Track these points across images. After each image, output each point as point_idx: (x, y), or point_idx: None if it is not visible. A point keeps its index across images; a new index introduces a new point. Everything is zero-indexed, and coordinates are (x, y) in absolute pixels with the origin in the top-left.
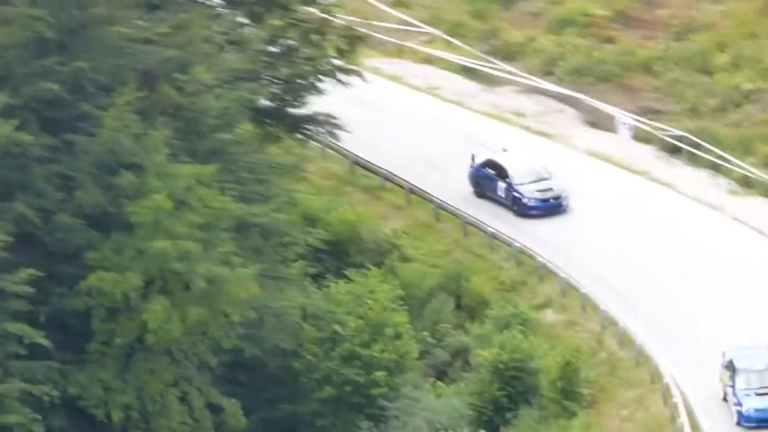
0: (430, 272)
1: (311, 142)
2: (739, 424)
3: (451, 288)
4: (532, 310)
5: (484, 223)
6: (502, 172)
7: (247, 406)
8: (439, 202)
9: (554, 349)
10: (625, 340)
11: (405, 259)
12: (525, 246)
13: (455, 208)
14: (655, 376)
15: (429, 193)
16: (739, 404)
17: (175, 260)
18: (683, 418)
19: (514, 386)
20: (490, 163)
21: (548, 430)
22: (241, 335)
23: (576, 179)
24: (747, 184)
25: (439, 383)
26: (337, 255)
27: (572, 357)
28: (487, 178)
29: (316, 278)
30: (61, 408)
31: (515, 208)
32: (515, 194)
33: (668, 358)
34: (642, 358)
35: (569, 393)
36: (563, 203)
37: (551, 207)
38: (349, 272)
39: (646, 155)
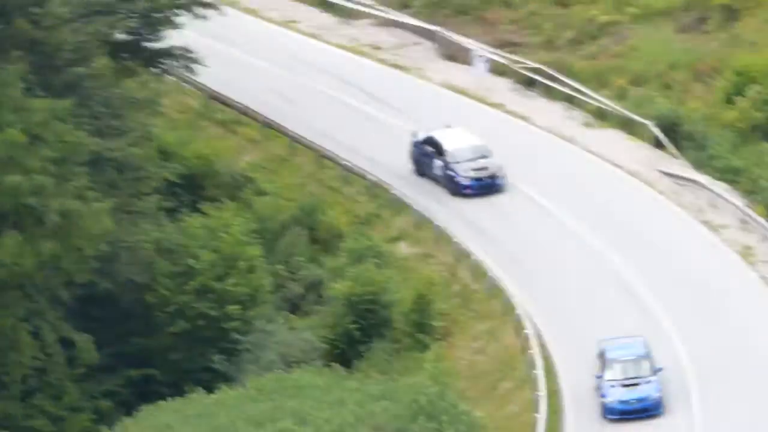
0: (284, 206)
1: (167, 76)
2: (604, 417)
3: (306, 221)
4: (386, 243)
5: (339, 156)
6: (439, 150)
7: (100, 340)
8: (294, 135)
9: (408, 281)
10: (478, 272)
11: (260, 192)
12: (380, 179)
13: (310, 141)
14: (507, 308)
15: (284, 127)
16: (604, 396)
17: (28, 194)
18: (534, 349)
19: (367, 319)
20: (429, 141)
21: (401, 362)
22: (94, 269)
23: (430, 112)
24: (601, 116)
25: (293, 316)
26: (192, 189)
27: (425, 289)
28: (426, 156)
29: (171, 212)
30: None
31: (449, 186)
32: (449, 173)
33: (521, 290)
34: (495, 291)
35: (422, 325)
36: (498, 182)
37: (486, 186)
38: (204, 206)
39: (502, 88)
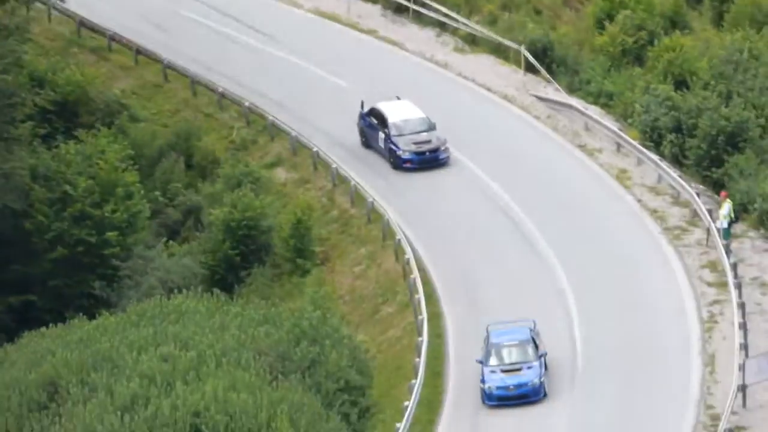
0: (160, 132)
1: (36, 3)
2: (484, 403)
3: (182, 147)
4: (263, 168)
5: (213, 82)
6: (383, 122)
7: None
8: (167, 61)
9: (286, 207)
10: (357, 198)
11: (134, 119)
12: (255, 105)
13: (184, 68)
14: (387, 233)
15: (156, 53)
16: (483, 381)
17: None
18: (415, 273)
19: (246, 244)
20: (374, 112)
21: (282, 288)
22: None
23: (302, 37)
24: (473, 42)
25: (172, 242)
26: (67, 116)
27: (304, 215)
28: (371, 128)
29: (46, 139)
30: None
31: (391, 160)
32: (391, 146)
33: (400, 216)
34: (374, 215)
35: (302, 251)
36: (441, 156)
37: (427, 160)
38: (79, 132)
39: (374, 14)
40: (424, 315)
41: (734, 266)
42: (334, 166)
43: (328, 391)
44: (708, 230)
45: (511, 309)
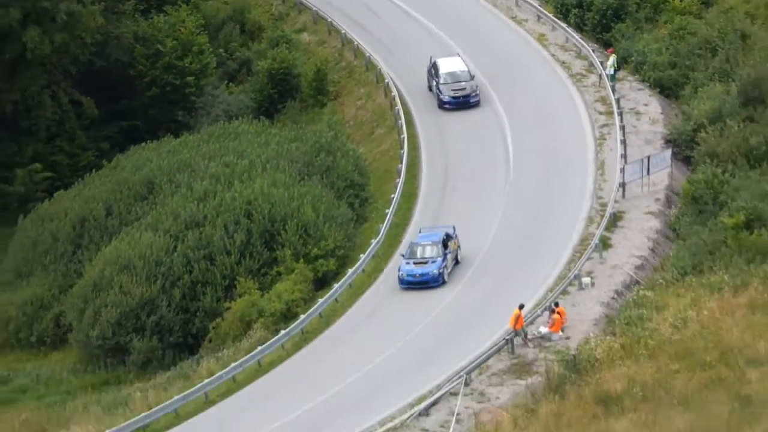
0: (222, 7)
1: None
2: (399, 285)
3: (238, 18)
4: (293, 33)
5: None
6: (436, 73)
7: (99, 101)
8: None
9: (309, 60)
10: (358, 53)
11: None
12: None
13: None
14: (379, 78)
15: None
16: (400, 269)
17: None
18: (398, 106)
19: (282, 86)
20: (434, 65)
21: (307, 116)
22: (92, 52)
23: None
24: None
25: (231, 84)
26: None
27: (322, 65)
28: (432, 76)
29: (144, 12)
30: None
31: (437, 100)
32: (437, 91)
33: (389, 67)
34: (370, 66)
35: (321, 90)
36: (471, 100)
37: (461, 103)
38: (167, 8)
39: None
40: (405, 135)
41: (617, 100)
42: (343, 31)
43: (338, 187)
44: (600, 75)
45: (467, 132)
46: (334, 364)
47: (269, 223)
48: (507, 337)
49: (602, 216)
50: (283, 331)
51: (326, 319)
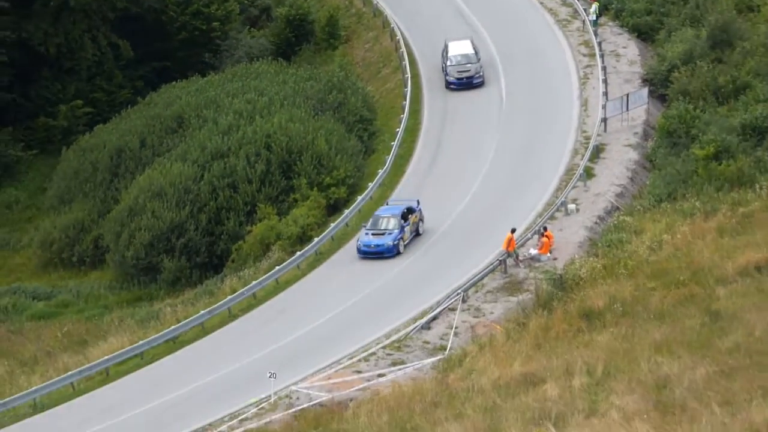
0: None
1: None
2: (357, 253)
3: None
4: None
5: None
6: (446, 55)
7: (134, 44)
8: None
9: (323, 7)
10: (366, 1)
11: None
12: None
13: None
14: (385, 23)
15: None
16: (358, 240)
17: None
18: (402, 48)
19: (298, 30)
20: (445, 47)
21: (320, 57)
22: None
23: None
24: None
25: (253, 29)
26: None
27: (334, 12)
28: (443, 57)
29: None
30: (17, 45)
31: (445, 81)
32: (444, 72)
33: (394, 13)
34: (377, 12)
35: (333, 34)
36: (474, 81)
37: (464, 83)
38: None
39: None
40: (408, 74)
41: (599, 44)
42: None
43: (349, 122)
44: (583, 21)
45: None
46: (345, 283)
47: (287, 155)
48: (500, 259)
49: (586, 148)
50: (298, 253)
51: (338, 242)
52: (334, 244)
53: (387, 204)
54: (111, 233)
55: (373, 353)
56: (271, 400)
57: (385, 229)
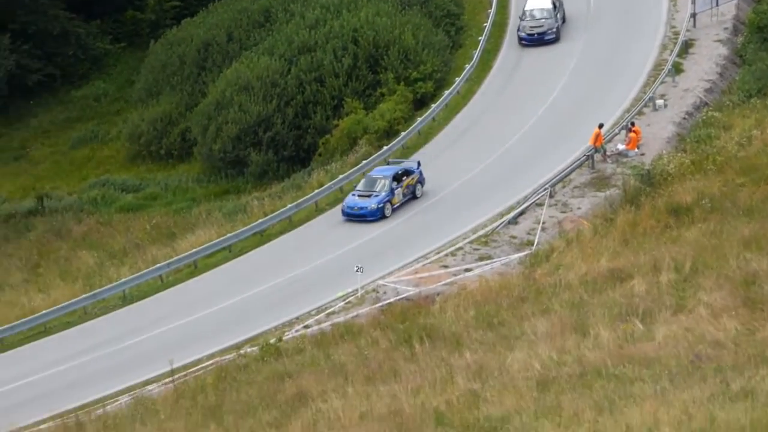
0: None
1: None
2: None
3: None
4: None
5: None
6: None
7: None
8: None
9: None
10: None
11: None
12: None
13: None
14: None
15: None
16: (345, 201)
17: None
18: None
19: None
20: (527, 2)
21: None
22: None
23: None
24: None
25: None
26: None
27: None
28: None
29: None
30: None
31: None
32: (518, 28)
33: None
34: None
35: None
36: (546, 38)
37: (535, 39)
38: None
39: None
40: None
41: None
42: None
43: (436, 16)
44: None
45: None
46: (432, 178)
47: (373, 49)
48: (587, 154)
49: (675, 43)
50: (385, 147)
51: (424, 136)
52: (420, 138)
53: (387, 163)
54: (198, 126)
55: (460, 248)
56: (358, 294)
57: (371, 191)
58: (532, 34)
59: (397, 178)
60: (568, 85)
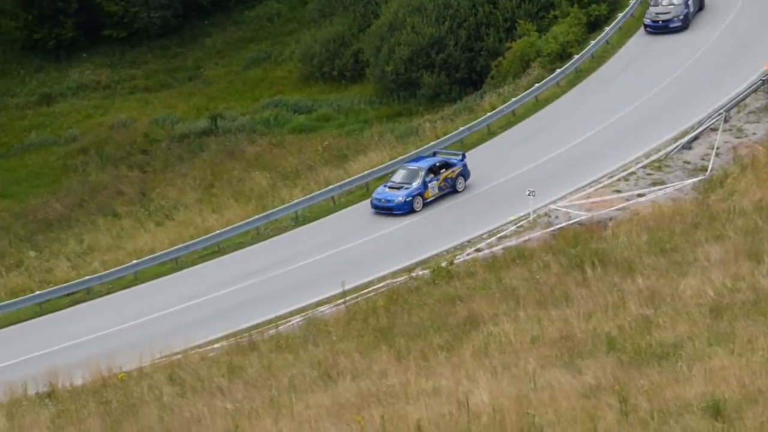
0: None
1: None
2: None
3: None
4: None
5: None
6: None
7: None
8: None
9: None
10: None
11: None
12: None
13: None
14: None
15: None
16: (375, 192)
17: None
18: None
19: None
20: None
21: None
22: None
23: None
24: None
25: None
26: None
27: None
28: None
29: None
30: None
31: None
32: (645, 15)
33: None
34: None
35: None
36: (671, 25)
37: (660, 27)
38: None
39: None
40: None
41: None
42: None
43: None
44: None
45: None
46: (605, 101)
47: None
48: (763, 79)
49: None
50: (558, 70)
51: (598, 60)
52: (594, 61)
53: (434, 154)
54: (371, 48)
55: (633, 173)
56: (530, 219)
57: (402, 183)
58: (657, 21)
59: (434, 170)
60: (743, 8)
